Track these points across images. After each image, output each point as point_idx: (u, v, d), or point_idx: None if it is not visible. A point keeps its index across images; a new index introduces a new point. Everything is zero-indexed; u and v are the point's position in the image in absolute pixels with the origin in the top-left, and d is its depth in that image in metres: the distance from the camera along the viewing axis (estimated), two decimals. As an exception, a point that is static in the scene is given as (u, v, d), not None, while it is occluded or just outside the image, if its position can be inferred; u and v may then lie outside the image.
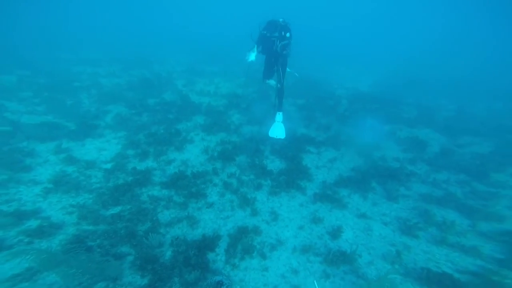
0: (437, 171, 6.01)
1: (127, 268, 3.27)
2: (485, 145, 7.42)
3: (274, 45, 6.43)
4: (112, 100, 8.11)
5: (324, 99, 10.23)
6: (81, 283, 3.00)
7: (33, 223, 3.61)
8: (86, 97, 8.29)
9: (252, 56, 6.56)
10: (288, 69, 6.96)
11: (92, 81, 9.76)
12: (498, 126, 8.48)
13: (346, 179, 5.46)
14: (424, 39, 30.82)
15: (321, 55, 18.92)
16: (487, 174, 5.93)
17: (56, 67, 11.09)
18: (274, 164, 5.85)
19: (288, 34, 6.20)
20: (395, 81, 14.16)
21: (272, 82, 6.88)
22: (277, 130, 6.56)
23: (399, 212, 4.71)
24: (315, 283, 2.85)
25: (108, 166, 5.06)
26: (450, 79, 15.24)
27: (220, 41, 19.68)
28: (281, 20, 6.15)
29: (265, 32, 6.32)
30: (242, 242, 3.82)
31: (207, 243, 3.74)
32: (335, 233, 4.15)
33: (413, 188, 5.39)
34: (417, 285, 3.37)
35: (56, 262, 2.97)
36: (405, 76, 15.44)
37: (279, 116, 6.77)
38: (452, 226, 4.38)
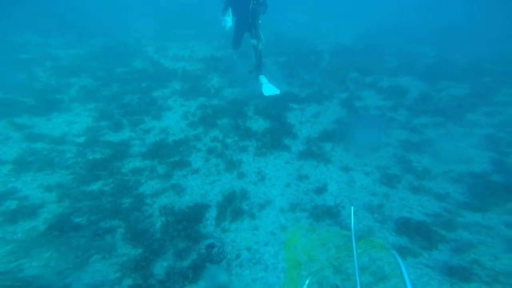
0: (416, 116, 6.16)
1: (119, 240, 3.25)
2: (462, 88, 7.61)
3: (249, 3, 5.82)
4: (74, 73, 7.31)
5: (306, 55, 9.82)
6: (77, 256, 2.97)
7: (11, 204, 3.42)
8: (41, 70, 7.38)
9: (229, 21, 5.97)
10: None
11: (43, 53, 8.61)
12: (477, 71, 8.63)
13: (329, 132, 5.49)
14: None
15: (302, 10, 17.65)
16: (462, 115, 6.17)
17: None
18: (258, 123, 5.74)
19: None
20: (378, 33, 13.71)
21: (254, 42, 6.38)
22: (269, 89, 6.38)
23: (380, 161, 4.89)
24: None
25: (82, 139, 4.73)
26: (434, 26, 14.94)
27: (193, 1, 17.65)
28: None
29: None
30: (231, 204, 3.88)
31: (196, 209, 3.75)
32: (320, 187, 4.28)
33: (393, 135, 5.54)
34: (392, 231, 3.62)
35: (47, 240, 2.88)
36: (388, 26, 14.96)
37: (262, 79, 6.50)
38: (426, 172, 4.63)
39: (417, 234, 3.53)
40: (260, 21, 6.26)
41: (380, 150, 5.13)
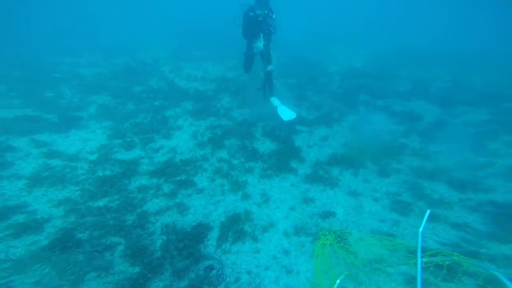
0: (429, 143, 5.96)
1: (118, 257, 3.26)
2: (479, 114, 7.35)
3: (264, 27, 6.11)
4: (95, 90, 7.81)
5: (316, 77, 9.97)
6: (73, 273, 2.99)
7: (19, 218, 3.55)
8: (67, 88, 7.95)
9: (261, 46, 6.21)
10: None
11: (72, 72, 9.33)
12: (495, 95, 8.35)
13: (338, 156, 5.42)
14: (424, 9, 29.69)
15: (314, 33, 18.20)
16: (480, 143, 5.90)
17: (31, 58, 10.54)
18: (265, 145, 5.76)
19: (274, 15, 5.98)
20: (390, 54, 13.77)
21: (271, 67, 6.61)
22: (285, 112, 6.47)
23: (390, 187, 4.71)
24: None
25: (94, 157, 4.93)
26: (448, 49, 14.82)
27: (209, 23, 18.76)
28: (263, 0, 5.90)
29: (252, 14, 5.99)
30: (234, 225, 3.82)
31: (198, 229, 3.73)
32: (326, 211, 4.17)
33: (404, 161, 5.36)
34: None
35: (45, 255, 2.94)
36: (401, 48, 15.01)
37: (275, 101, 6.66)
38: (441, 200, 4.41)
39: (433, 265, 3.29)
40: (271, 43, 6.54)
41: (390, 176, 4.96)
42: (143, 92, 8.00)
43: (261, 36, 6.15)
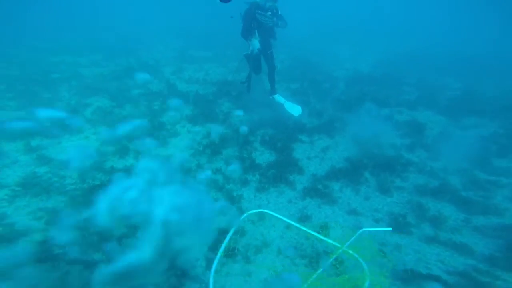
0: (435, 159, 5.65)
1: (97, 276, 3.07)
2: (491, 127, 6.99)
3: (269, 23, 5.96)
4: (94, 92, 7.66)
5: (320, 82, 9.69)
6: None
7: (-6, 231, 3.38)
8: (66, 89, 7.83)
9: (257, 44, 6.07)
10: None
11: (72, 72, 9.21)
12: (508, 106, 7.94)
13: (338, 170, 5.16)
14: (436, 12, 28.95)
15: (320, 36, 17.81)
16: (490, 160, 5.58)
17: (31, 57, 10.46)
18: (264, 156, 5.53)
19: (279, 12, 5.83)
20: (398, 58, 13.36)
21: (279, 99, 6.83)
22: (291, 107, 6.38)
23: (392, 207, 4.44)
24: None
25: (85, 165, 4.76)
26: (460, 55, 14.28)
27: (213, 23, 18.54)
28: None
29: (259, 12, 5.82)
30: (223, 245, 3.62)
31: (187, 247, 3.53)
32: (323, 232, 3.93)
33: (409, 179, 5.08)
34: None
35: (12, 274, 2.76)
36: (410, 53, 14.57)
37: (279, 98, 6.61)
38: (446, 222, 4.13)
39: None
40: (276, 41, 6.46)
41: (393, 195, 4.69)
42: (142, 95, 7.83)
43: (256, 33, 6.00)
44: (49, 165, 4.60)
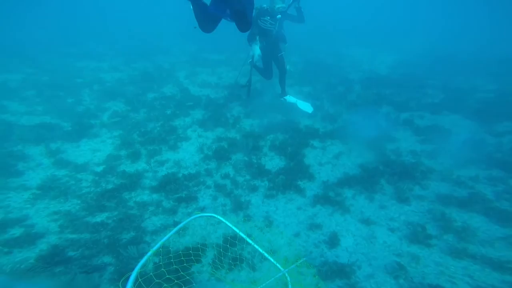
0: (463, 166, 5.20)
1: (106, 280, 3.15)
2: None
3: (269, 29, 5.96)
4: (112, 96, 7.99)
5: (335, 85, 9.43)
6: None
7: (16, 232, 3.58)
8: (87, 94, 8.23)
9: (257, 49, 6.06)
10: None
11: (94, 77, 9.69)
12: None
13: (351, 177, 4.95)
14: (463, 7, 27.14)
15: (336, 37, 17.38)
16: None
17: (60, 63, 11.13)
18: (273, 162, 5.44)
19: (279, 16, 5.79)
20: (420, 59, 12.61)
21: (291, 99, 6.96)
22: (303, 105, 6.66)
23: (410, 216, 4.17)
24: None
25: (100, 168, 4.95)
26: (493, 56, 13.13)
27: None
28: (265, 6, 5.80)
29: (261, 19, 5.82)
30: (231, 251, 3.58)
31: (193, 252, 3.53)
32: (334, 241, 3.77)
33: (430, 187, 4.75)
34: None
35: (28, 276, 2.89)
36: (434, 52, 13.68)
37: (290, 98, 6.63)
38: (475, 233, 3.79)
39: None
40: (286, 44, 6.46)
41: (411, 203, 4.40)
42: (156, 99, 8.05)
43: (257, 38, 5.98)
44: (67, 169, 4.83)
